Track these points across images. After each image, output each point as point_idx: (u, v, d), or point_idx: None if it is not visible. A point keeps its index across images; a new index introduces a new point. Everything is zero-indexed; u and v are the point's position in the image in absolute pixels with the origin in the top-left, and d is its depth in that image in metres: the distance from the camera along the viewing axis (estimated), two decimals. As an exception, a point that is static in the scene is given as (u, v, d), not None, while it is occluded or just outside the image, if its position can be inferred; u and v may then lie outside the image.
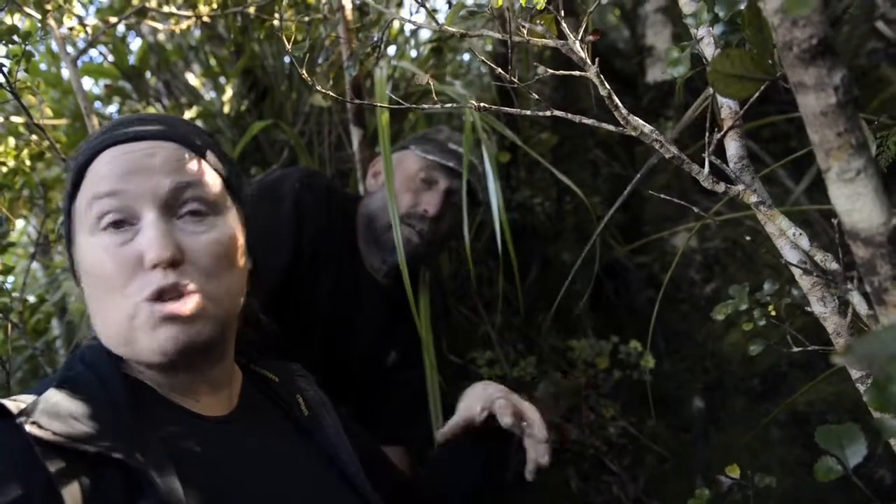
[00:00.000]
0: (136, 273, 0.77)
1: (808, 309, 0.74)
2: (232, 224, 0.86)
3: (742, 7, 0.63)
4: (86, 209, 0.79)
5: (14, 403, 0.68)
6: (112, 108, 2.49)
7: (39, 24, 1.35)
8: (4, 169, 1.44)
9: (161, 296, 0.76)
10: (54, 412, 0.68)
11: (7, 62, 1.18)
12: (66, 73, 2.35)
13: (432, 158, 1.51)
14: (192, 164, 0.84)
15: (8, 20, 1.31)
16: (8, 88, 1.18)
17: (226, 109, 2.30)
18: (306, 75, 0.84)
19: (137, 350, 0.77)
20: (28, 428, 0.65)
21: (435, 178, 1.52)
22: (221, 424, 0.84)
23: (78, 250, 0.82)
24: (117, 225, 0.78)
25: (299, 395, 0.96)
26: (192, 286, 0.78)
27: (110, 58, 2.38)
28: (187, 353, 0.78)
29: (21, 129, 1.91)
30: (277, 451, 0.86)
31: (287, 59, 2.24)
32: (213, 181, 0.85)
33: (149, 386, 0.82)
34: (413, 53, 2.55)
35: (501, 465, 1.11)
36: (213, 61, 2.45)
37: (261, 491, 0.80)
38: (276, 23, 1.82)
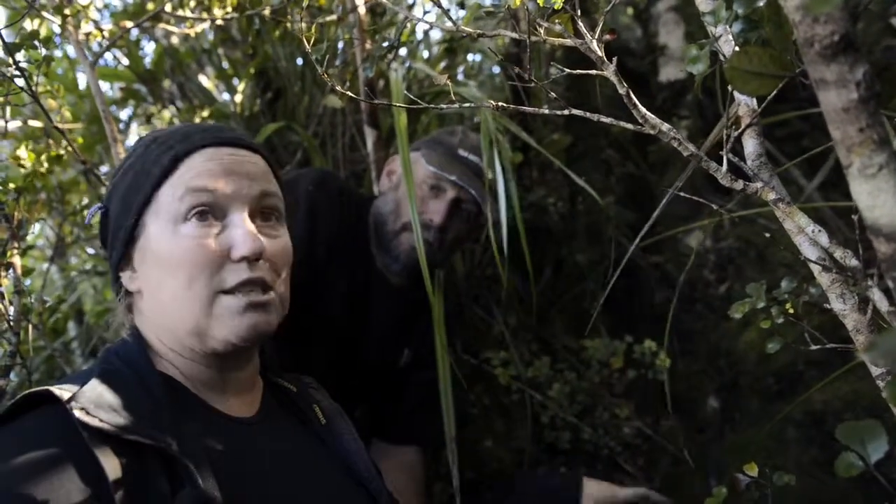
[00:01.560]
0: (222, 264, 0.83)
1: (826, 306, 0.74)
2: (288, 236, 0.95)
3: (761, 4, 0.63)
4: (175, 199, 0.84)
5: (60, 391, 0.72)
6: (127, 111, 2.52)
7: (59, 29, 1.37)
8: (23, 171, 1.45)
9: (244, 286, 0.83)
10: (99, 401, 0.71)
11: (27, 66, 1.19)
12: (81, 76, 2.37)
13: (433, 170, 1.47)
14: (273, 178, 0.93)
15: (28, 26, 1.33)
16: (29, 92, 1.19)
17: (239, 111, 2.31)
18: (327, 76, 0.85)
19: (209, 337, 0.83)
20: (77, 414, 0.68)
21: (443, 188, 1.48)
22: (246, 425, 0.87)
23: (150, 237, 0.85)
24: (202, 217, 0.83)
25: (316, 405, 1.00)
26: (269, 281, 0.85)
27: (125, 61, 2.40)
28: (257, 341, 0.85)
29: (38, 132, 1.93)
30: (297, 454, 0.90)
31: (300, 61, 2.25)
32: (281, 196, 0.94)
33: (181, 384, 0.85)
34: (425, 54, 2.55)
35: None
36: (226, 63, 2.47)
37: (281, 490, 0.82)
38: (289, 25, 1.83)
